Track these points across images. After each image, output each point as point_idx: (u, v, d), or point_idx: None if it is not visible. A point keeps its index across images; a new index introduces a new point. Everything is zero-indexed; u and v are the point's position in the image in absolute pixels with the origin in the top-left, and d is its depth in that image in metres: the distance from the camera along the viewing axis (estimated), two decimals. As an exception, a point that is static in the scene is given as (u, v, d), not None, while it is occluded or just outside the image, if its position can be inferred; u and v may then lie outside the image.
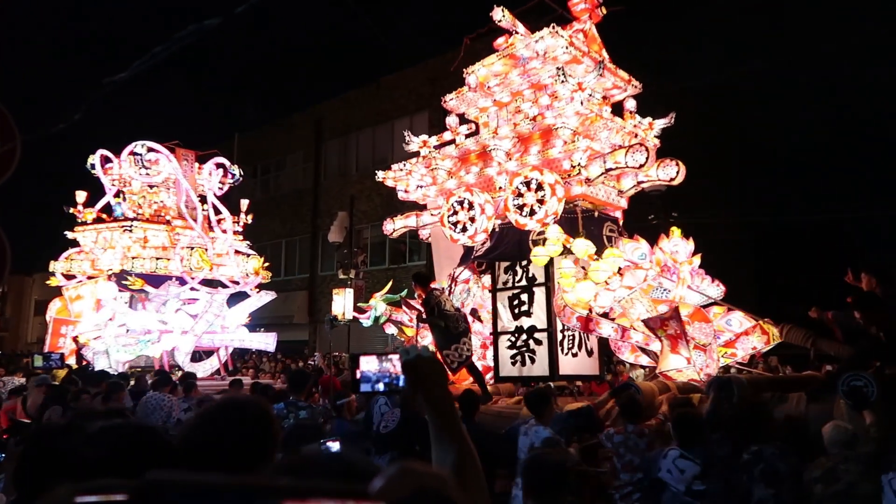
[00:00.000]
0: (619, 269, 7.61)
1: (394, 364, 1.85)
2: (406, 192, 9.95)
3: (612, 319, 7.73)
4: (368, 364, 1.90)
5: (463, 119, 9.53)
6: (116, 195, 13.40)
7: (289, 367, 15.21)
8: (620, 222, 9.04)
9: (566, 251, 7.99)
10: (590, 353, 8.84)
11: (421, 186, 9.68)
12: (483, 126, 9.30)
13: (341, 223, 18.62)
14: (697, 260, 7.87)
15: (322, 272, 24.68)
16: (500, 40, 9.13)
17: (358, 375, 1.87)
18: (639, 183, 8.49)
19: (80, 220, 13.34)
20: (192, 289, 12.91)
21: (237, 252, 13.84)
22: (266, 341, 13.61)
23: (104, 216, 13.50)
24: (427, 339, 9.18)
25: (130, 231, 12.90)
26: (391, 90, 22.86)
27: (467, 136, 9.35)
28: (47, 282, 13.21)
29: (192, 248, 13.01)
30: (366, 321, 10.44)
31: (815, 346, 7.13)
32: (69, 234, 13.35)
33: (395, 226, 10.44)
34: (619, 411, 5.53)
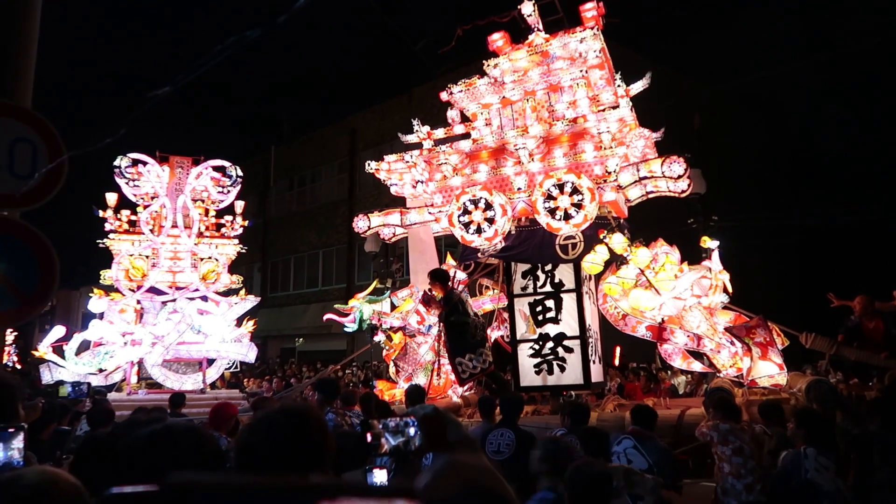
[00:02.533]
0: (675, 275, 7.76)
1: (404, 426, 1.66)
2: (395, 185, 9.51)
3: (661, 324, 7.69)
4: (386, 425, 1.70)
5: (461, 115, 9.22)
6: (103, 209, 13.09)
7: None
8: None
9: (616, 258, 7.88)
10: (600, 360, 8.72)
11: (421, 182, 9.17)
12: (486, 124, 8.93)
13: (377, 232, 18.68)
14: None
15: (359, 282, 24.86)
16: (496, 36, 8.93)
17: (368, 438, 1.70)
18: (647, 193, 8.35)
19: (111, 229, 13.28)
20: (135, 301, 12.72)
21: (203, 259, 13.31)
22: (242, 352, 13.32)
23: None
24: (423, 348, 8.99)
25: (105, 246, 12.94)
26: (423, 100, 22.99)
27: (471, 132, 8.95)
28: (91, 294, 13.30)
29: (130, 257, 12.75)
30: (350, 325, 9.75)
31: (838, 353, 7.52)
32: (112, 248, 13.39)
33: (369, 223, 9.76)
34: (714, 411, 5.52)
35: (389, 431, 1.65)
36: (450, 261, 9.68)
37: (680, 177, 7.62)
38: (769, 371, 7.19)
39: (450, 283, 8.28)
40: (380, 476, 1.71)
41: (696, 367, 8.18)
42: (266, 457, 1.42)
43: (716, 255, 8.19)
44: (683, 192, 7.90)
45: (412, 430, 1.63)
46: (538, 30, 8.67)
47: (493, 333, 9.04)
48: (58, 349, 12.16)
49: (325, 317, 10.43)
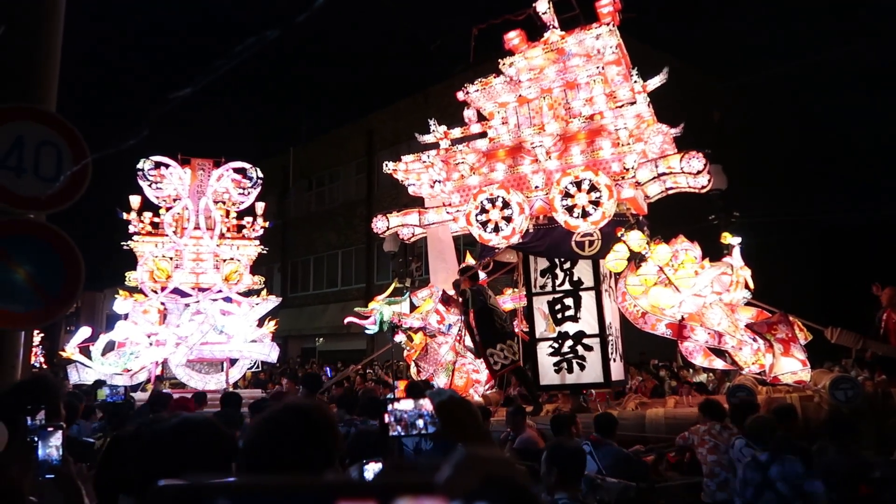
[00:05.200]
0: (695, 271, 7.72)
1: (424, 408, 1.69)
2: (413, 185, 9.54)
3: (681, 321, 7.62)
4: (403, 406, 1.72)
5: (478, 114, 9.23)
6: (126, 211, 13.25)
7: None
8: None
9: (635, 256, 7.86)
10: (621, 358, 8.67)
11: (438, 181, 9.18)
12: (502, 123, 8.93)
13: (395, 232, 18.74)
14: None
15: (378, 281, 24.97)
16: (512, 34, 8.90)
17: (386, 420, 1.70)
18: (667, 189, 8.31)
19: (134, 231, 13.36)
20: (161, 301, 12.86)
21: (225, 260, 13.38)
22: (264, 352, 13.16)
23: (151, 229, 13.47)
24: (444, 348, 9.00)
25: (128, 247, 13.10)
26: (440, 99, 23.03)
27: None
28: (116, 296, 13.47)
29: (154, 258, 12.88)
30: (371, 327, 9.78)
31: (865, 347, 7.49)
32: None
33: (388, 223, 9.76)
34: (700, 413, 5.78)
35: (399, 424, 1.66)
36: (469, 260, 9.72)
37: (699, 172, 7.57)
38: (792, 367, 7.11)
39: (477, 282, 8.43)
40: (373, 469, 1.66)
41: (718, 364, 8.13)
42: (272, 456, 1.43)
43: (737, 251, 8.12)
44: (703, 187, 7.86)
45: (421, 423, 1.64)
46: (554, 27, 8.63)
47: (516, 328, 9.10)
48: (84, 350, 12.37)
49: (346, 320, 10.49)
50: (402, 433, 1.65)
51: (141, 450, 1.45)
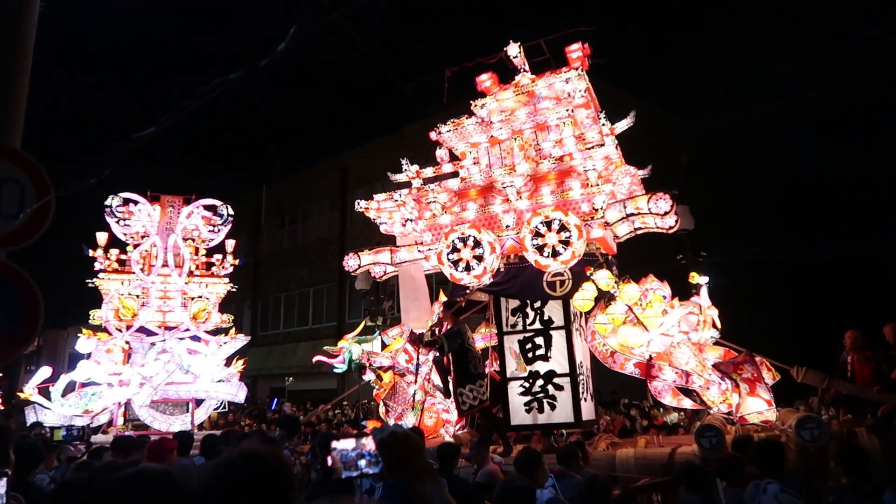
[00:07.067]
0: (663, 311, 7.76)
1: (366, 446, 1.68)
2: (385, 224, 9.57)
3: (650, 360, 7.66)
4: (344, 446, 1.70)
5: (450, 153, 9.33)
6: (93, 248, 13.06)
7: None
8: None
9: (603, 295, 7.89)
10: (592, 398, 8.65)
11: (410, 220, 9.23)
12: (474, 163, 9.05)
13: (367, 270, 18.66)
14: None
15: (350, 320, 24.76)
16: (484, 76, 9.08)
17: (329, 462, 1.67)
18: (635, 229, 8.43)
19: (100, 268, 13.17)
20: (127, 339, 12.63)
21: (193, 298, 13.25)
22: (231, 392, 12.94)
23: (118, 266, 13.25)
24: (413, 387, 8.92)
25: (94, 285, 12.91)
26: (414, 139, 23.26)
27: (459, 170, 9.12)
28: (79, 334, 13.15)
29: (120, 296, 12.73)
30: (339, 366, 9.65)
31: (830, 387, 7.54)
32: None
33: (360, 262, 9.78)
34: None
35: (342, 463, 1.65)
36: (442, 298, 9.71)
37: (666, 213, 7.69)
38: (758, 407, 7.17)
39: (459, 318, 8.47)
40: None
41: (687, 403, 8.15)
42: (224, 502, 1.43)
43: (704, 290, 8.25)
44: (671, 228, 7.98)
45: (363, 462, 1.63)
46: (524, 70, 8.80)
47: (487, 368, 9.05)
48: (44, 390, 11.99)
49: (315, 359, 10.34)
50: (345, 474, 1.63)
51: (91, 501, 1.40)
